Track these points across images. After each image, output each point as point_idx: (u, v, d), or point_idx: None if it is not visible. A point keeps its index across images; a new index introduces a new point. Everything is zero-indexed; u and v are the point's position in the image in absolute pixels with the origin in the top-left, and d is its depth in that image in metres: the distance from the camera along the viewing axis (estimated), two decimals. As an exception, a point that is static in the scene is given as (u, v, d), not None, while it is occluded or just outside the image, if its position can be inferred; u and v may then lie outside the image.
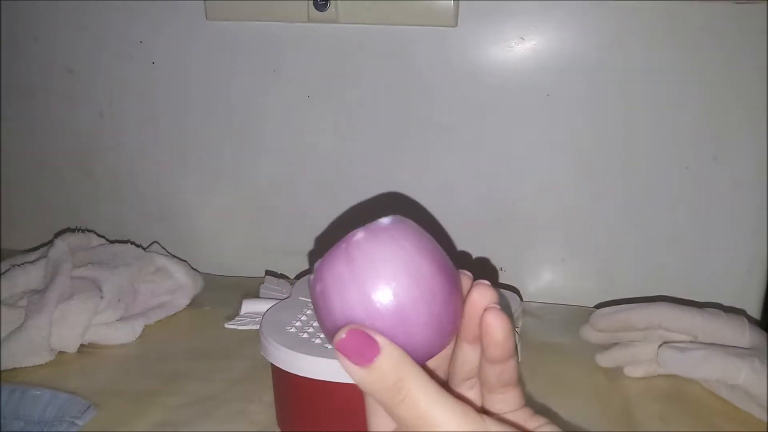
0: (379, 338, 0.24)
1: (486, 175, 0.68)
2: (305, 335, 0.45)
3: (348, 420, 0.44)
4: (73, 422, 0.49)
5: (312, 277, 0.27)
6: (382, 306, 0.25)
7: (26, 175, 0.79)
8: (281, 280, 0.61)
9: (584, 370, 0.57)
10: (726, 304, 0.67)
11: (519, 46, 0.63)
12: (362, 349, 0.24)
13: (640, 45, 0.62)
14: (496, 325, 0.27)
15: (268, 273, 0.71)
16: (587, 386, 0.55)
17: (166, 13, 0.69)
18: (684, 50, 0.61)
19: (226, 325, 0.52)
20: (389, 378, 0.24)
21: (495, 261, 0.71)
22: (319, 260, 0.27)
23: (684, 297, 0.68)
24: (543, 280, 0.71)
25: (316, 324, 0.47)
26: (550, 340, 0.62)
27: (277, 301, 0.51)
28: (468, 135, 0.67)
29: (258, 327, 0.48)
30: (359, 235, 0.27)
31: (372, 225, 0.27)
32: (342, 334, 0.24)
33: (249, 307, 0.53)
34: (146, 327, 0.63)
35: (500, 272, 0.71)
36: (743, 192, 0.64)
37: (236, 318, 0.52)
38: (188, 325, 0.65)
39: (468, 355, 0.29)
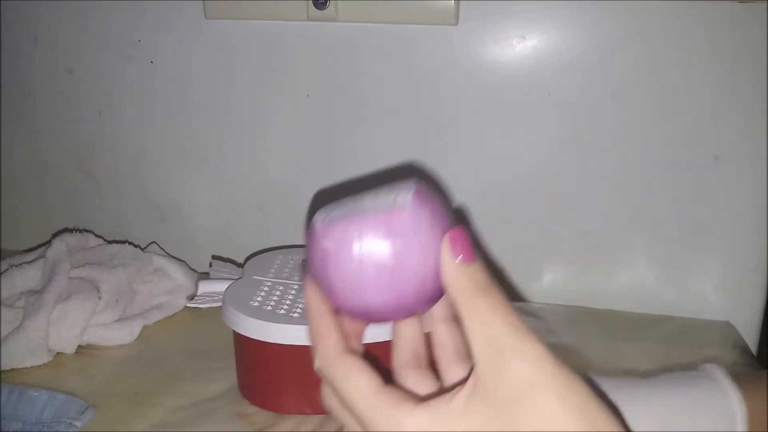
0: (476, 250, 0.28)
1: (486, 173, 0.68)
2: (269, 308, 0.50)
3: (315, 378, 0.49)
4: (71, 423, 0.49)
5: (409, 204, 0.28)
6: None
7: (26, 175, 0.79)
8: (228, 264, 0.65)
9: (585, 370, 0.57)
10: (727, 304, 0.67)
11: (520, 44, 0.63)
12: (468, 249, 0.27)
13: (640, 44, 0.61)
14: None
15: (215, 257, 0.73)
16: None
17: (165, 13, 0.68)
18: (684, 50, 0.61)
19: (187, 305, 0.57)
20: (481, 276, 0.27)
21: (495, 261, 0.71)
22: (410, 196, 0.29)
23: (685, 296, 0.68)
24: (544, 280, 0.71)
25: (275, 298, 0.52)
26: (550, 340, 0.62)
27: (231, 281, 0.55)
28: (468, 134, 0.67)
29: (218, 305, 0.53)
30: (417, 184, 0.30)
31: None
32: (458, 230, 0.28)
33: (205, 287, 0.56)
34: (144, 328, 0.63)
35: (501, 272, 0.71)
36: (745, 192, 0.64)
37: (195, 297, 0.56)
38: (187, 325, 0.65)
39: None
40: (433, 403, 0.26)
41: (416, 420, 0.25)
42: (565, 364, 0.24)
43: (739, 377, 0.39)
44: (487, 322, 0.25)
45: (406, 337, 0.31)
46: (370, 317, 0.30)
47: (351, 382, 0.27)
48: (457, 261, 0.27)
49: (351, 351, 0.29)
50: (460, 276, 0.27)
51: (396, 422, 0.25)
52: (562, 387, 0.24)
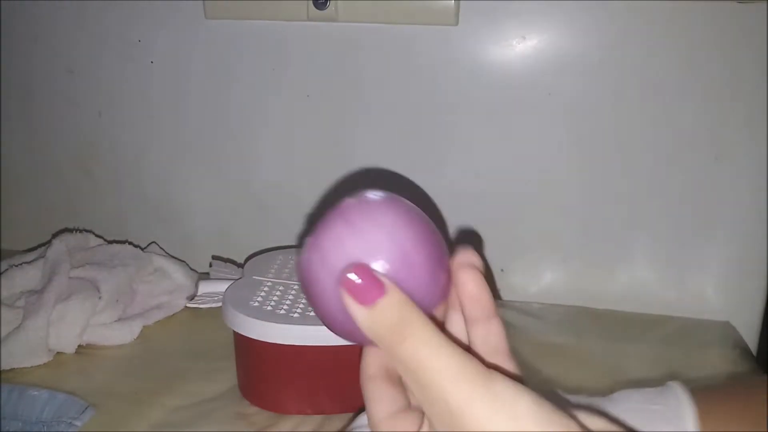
0: (384, 279, 0.25)
1: (486, 174, 0.68)
2: (269, 308, 0.50)
3: (315, 378, 0.51)
4: (71, 423, 0.49)
5: (305, 249, 0.27)
6: (385, 255, 0.26)
7: (26, 175, 0.79)
8: (228, 264, 0.65)
9: (585, 370, 0.57)
10: (727, 304, 0.67)
11: (520, 45, 0.63)
12: (367, 288, 0.24)
13: (640, 44, 0.61)
14: (468, 278, 0.27)
15: (215, 258, 0.73)
16: (588, 386, 0.55)
17: (165, 12, 0.68)
18: (684, 50, 0.61)
19: (187, 305, 0.56)
20: (392, 318, 0.24)
21: (495, 261, 0.71)
22: (309, 236, 0.27)
23: (685, 296, 0.68)
24: (544, 280, 0.71)
25: (275, 298, 0.52)
26: (550, 340, 0.62)
27: (231, 281, 0.55)
28: (469, 134, 0.67)
29: (218, 305, 0.53)
30: (350, 200, 0.28)
31: (360, 193, 0.28)
32: (348, 272, 0.25)
33: (205, 287, 0.56)
34: (144, 327, 0.63)
35: (501, 272, 0.71)
36: (744, 192, 0.64)
37: (195, 297, 0.56)
38: (186, 325, 0.65)
39: (459, 325, 0.29)
40: None
41: None
42: (506, 395, 0.22)
43: (702, 395, 0.37)
44: (411, 371, 0.24)
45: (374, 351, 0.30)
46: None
47: (370, 407, 0.28)
48: (360, 307, 0.25)
49: (381, 377, 0.28)
50: (370, 324, 0.24)
51: None
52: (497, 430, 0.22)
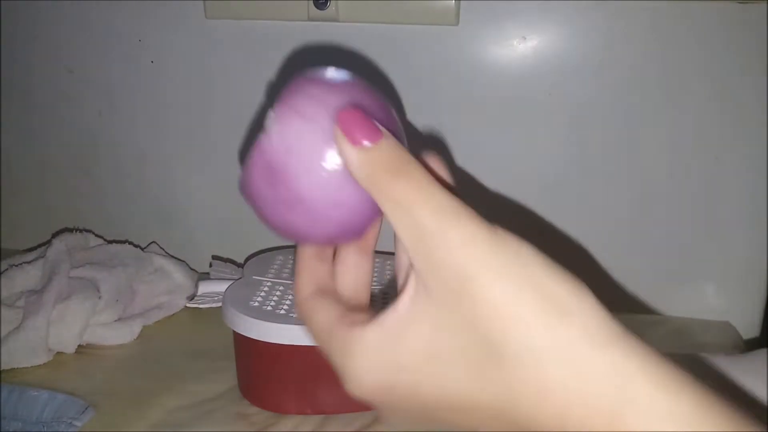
0: (381, 127, 0.23)
1: (486, 175, 0.68)
2: (269, 308, 0.50)
3: (315, 378, 0.50)
4: (71, 423, 0.49)
5: (275, 122, 0.25)
6: (374, 113, 0.25)
7: (26, 174, 0.79)
8: (228, 264, 0.65)
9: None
10: (726, 304, 0.67)
11: (520, 45, 0.63)
12: (365, 128, 0.23)
13: (640, 44, 0.61)
14: (436, 166, 0.27)
15: (215, 257, 0.73)
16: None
17: (165, 12, 0.68)
18: (684, 50, 0.61)
19: (187, 305, 0.57)
20: (388, 157, 0.23)
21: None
22: (276, 107, 0.26)
23: (685, 296, 0.68)
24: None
25: (275, 298, 0.52)
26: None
27: (231, 281, 0.55)
28: (468, 134, 0.67)
29: (218, 305, 0.53)
30: (313, 73, 0.26)
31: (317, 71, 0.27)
32: (347, 110, 0.23)
33: (205, 287, 0.57)
34: (144, 327, 0.63)
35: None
36: (744, 192, 0.64)
37: (196, 297, 0.56)
38: (187, 325, 0.65)
39: None
40: (381, 316, 0.23)
41: (366, 341, 0.23)
42: (509, 237, 0.22)
43: None
44: (406, 209, 0.22)
45: (308, 271, 0.28)
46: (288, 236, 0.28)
47: (311, 325, 0.26)
48: (354, 147, 0.23)
49: (317, 292, 0.27)
50: (365, 162, 0.23)
51: (347, 349, 0.24)
52: (501, 266, 0.21)
